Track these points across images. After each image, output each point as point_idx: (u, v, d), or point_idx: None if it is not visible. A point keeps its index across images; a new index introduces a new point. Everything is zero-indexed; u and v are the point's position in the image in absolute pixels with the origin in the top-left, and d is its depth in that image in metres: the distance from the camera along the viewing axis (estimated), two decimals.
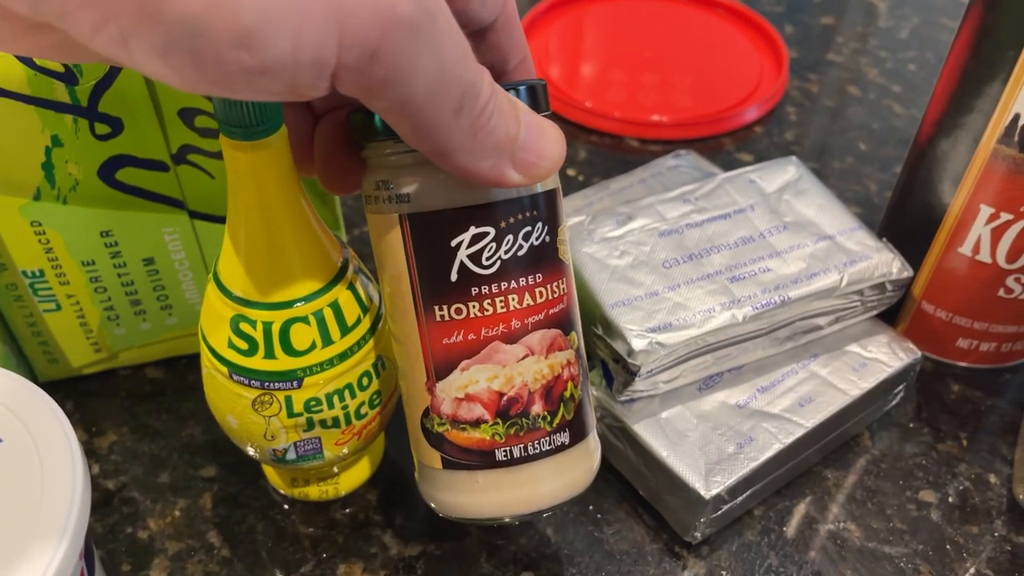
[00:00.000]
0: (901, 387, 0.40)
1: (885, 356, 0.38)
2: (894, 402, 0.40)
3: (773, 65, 0.60)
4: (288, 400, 0.29)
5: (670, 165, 0.48)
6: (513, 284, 0.27)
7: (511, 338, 0.28)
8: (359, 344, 0.30)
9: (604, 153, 0.54)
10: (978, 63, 0.35)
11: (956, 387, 0.42)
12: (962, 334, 0.41)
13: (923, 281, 0.41)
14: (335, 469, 0.35)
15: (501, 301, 0.27)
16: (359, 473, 0.36)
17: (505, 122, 0.23)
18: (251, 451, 0.31)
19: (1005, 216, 0.37)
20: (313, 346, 0.29)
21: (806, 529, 0.36)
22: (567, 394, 0.30)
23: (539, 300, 0.28)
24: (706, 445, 0.35)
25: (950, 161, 0.37)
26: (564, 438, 0.30)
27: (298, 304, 0.28)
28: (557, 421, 0.29)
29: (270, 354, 0.28)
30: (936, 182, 0.38)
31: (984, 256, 0.38)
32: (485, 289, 0.27)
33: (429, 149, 0.22)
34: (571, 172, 0.52)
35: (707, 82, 0.59)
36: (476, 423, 0.29)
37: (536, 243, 0.28)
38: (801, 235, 0.39)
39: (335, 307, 0.29)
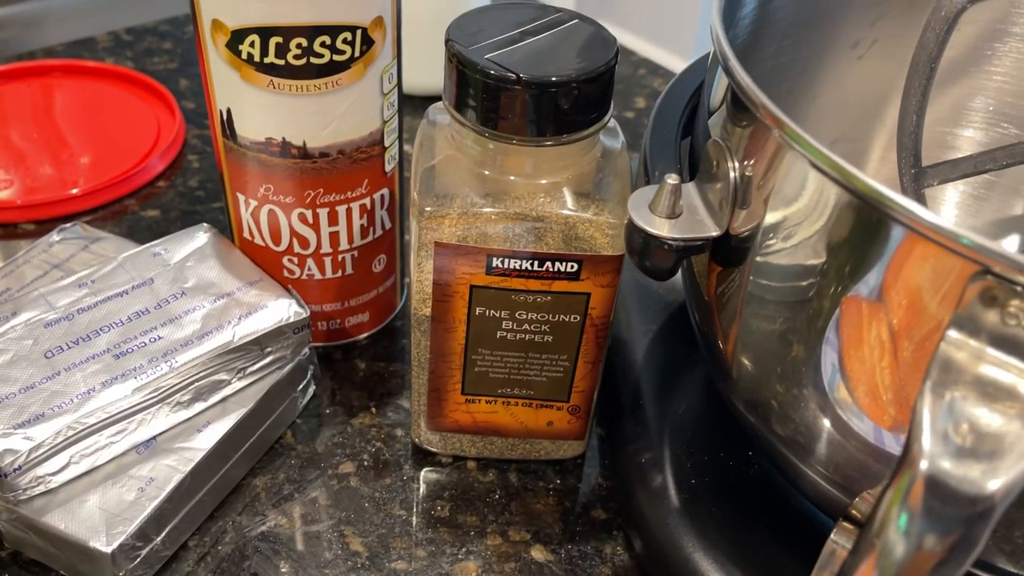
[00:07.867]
0: (307, 380, 0.43)
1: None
2: (309, 396, 0.44)
3: (168, 119, 0.62)
4: None
5: (53, 241, 0.47)
6: None
7: None
8: None
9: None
10: None
11: (363, 364, 0.47)
12: (315, 317, 0.44)
13: None
14: None
15: None
16: None
17: None
18: None
19: (252, 202, 0.40)
20: None
21: (240, 540, 0.38)
22: None
23: None
24: (106, 502, 0.35)
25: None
26: None
27: None
28: None
29: None
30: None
31: (259, 240, 0.42)
32: None
33: None
34: None
35: (105, 150, 0.59)
36: None
37: None
38: (199, 298, 0.40)
39: None
